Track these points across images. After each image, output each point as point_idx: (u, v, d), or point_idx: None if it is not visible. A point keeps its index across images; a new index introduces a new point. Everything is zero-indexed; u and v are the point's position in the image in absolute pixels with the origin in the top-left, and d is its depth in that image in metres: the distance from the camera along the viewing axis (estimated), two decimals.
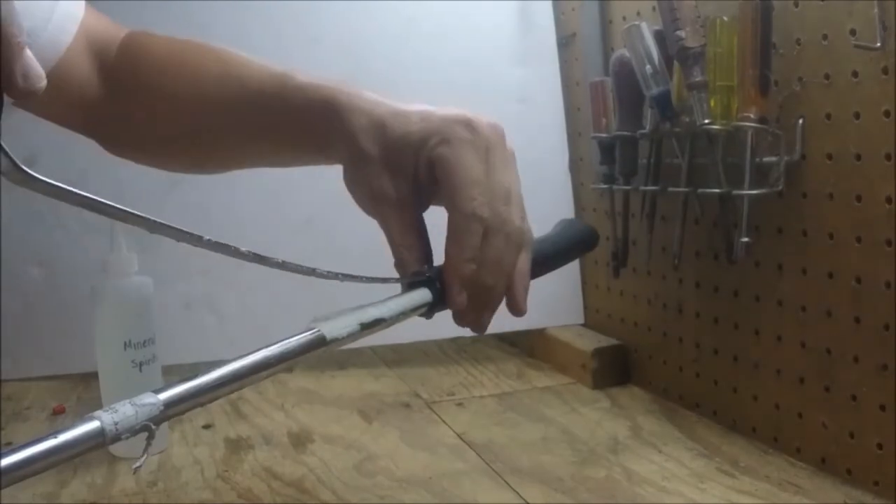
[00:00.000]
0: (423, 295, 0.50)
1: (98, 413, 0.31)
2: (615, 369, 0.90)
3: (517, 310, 0.54)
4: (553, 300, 0.97)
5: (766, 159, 0.66)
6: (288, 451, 0.74)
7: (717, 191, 0.70)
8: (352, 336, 0.43)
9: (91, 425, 0.30)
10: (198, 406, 0.35)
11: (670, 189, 0.76)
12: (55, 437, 0.29)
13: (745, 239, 0.66)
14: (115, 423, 0.31)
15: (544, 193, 0.97)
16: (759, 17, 0.63)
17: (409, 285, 0.51)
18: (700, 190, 0.72)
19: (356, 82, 0.54)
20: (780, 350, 0.68)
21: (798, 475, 0.65)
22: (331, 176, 0.55)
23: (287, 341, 0.40)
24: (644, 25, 0.73)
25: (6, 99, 0.31)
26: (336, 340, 0.42)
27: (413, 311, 0.49)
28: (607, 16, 0.90)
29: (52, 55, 0.58)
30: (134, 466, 0.35)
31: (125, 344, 0.71)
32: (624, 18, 0.86)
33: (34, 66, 0.31)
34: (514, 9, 1.00)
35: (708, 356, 0.77)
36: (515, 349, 1.05)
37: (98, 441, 0.30)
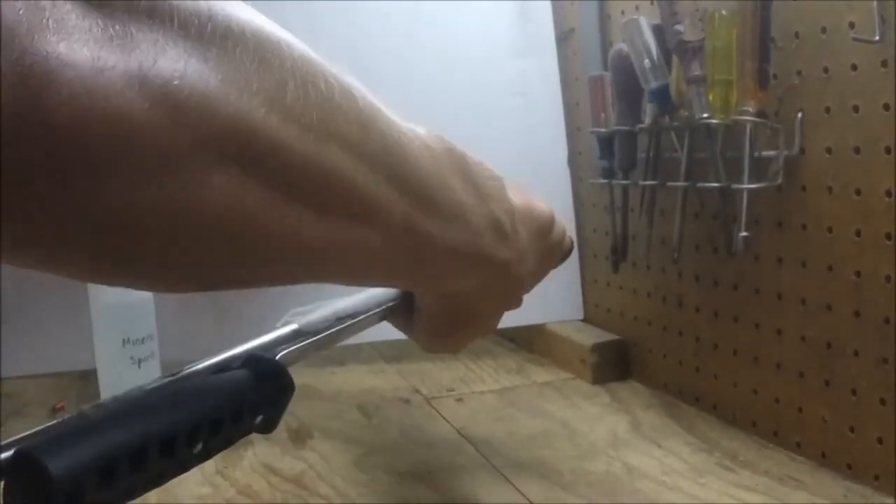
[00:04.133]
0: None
1: None
2: (615, 364, 0.90)
3: None
4: (552, 296, 0.97)
5: (765, 153, 0.66)
6: (287, 447, 0.74)
7: (716, 185, 0.70)
8: (328, 329, 0.43)
9: None
10: None
11: (669, 183, 0.76)
12: None
13: (745, 233, 0.66)
14: None
15: (543, 188, 0.97)
16: (758, 10, 0.63)
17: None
18: (699, 184, 0.72)
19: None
20: (779, 344, 0.68)
21: (798, 469, 0.65)
22: None
23: (263, 337, 0.40)
24: (643, 20, 0.73)
25: None
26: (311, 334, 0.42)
27: (386, 305, 0.49)
28: (606, 11, 0.90)
29: None
30: None
31: (124, 341, 0.71)
32: (622, 13, 0.86)
33: None
34: (513, 4, 1.00)
35: (708, 350, 0.77)
36: (515, 344, 1.05)
37: None
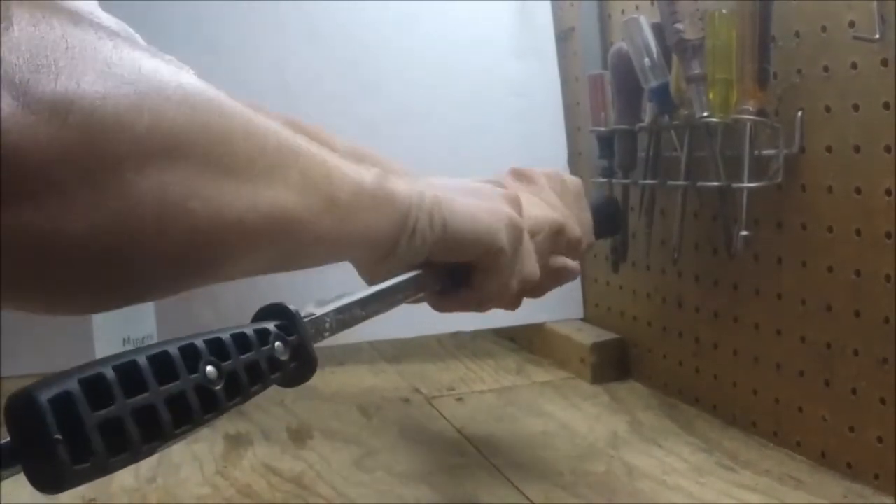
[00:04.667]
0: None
1: None
2: (614, 364, 0.89)
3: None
4: (552, 294, 0.97)
5: (765, 152, 0.66)
6: (287, 447, 0.74)
7: (716, 184, 0.69)
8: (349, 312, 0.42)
9: None
10: None
11: (669, 182, 0.76)
12: None
13: (745, 232, 0.66)
14: None
15: None
16: (758, 9, 0.63)
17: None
18: (699, 183, 0.72)
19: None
20: (779, 344, 0.68)
21: (798, 469, 0.65)
22: None
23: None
24: (643, 18, 0.73)
25: None
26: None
27: (411, 284, 0.48)
28: (606, 10, 0.90)
29: None
30: None
31: (124, 340, 0.71)
32: (622, 12, 0.86)
33: None
34: (513, 4, 1.00)
35: (707, 350, 0.77)
36: (515, 344, 1.05)
37: None
